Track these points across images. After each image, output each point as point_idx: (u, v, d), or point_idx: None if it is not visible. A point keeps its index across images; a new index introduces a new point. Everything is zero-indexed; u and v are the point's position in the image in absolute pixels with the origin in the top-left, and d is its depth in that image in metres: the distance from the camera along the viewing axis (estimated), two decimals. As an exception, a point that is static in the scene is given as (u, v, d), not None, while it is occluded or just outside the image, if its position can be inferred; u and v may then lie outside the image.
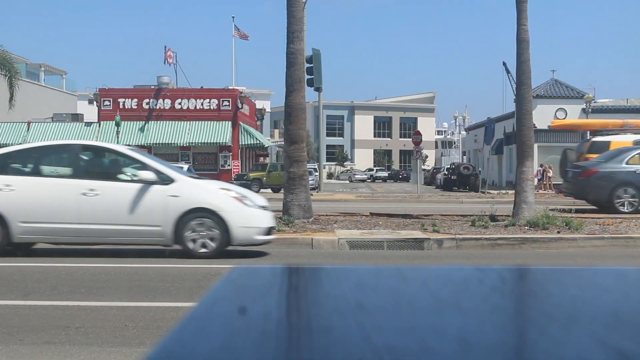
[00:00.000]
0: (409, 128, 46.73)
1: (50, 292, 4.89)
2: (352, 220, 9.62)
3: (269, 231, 6.71)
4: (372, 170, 46.69)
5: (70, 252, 6.79)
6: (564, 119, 30.62)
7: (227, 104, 28.26)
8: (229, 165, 27.75)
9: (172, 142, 27.27)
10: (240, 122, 28.64)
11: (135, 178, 6.40)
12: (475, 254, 7.41)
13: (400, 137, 49.80)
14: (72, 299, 4.50)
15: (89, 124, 28.34)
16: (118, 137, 24.16)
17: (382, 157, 50.94)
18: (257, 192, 13.96)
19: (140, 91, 29.00)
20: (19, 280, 5.53)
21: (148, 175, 6.29)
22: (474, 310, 0.44)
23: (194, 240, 6.28)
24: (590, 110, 30.10)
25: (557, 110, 31.31)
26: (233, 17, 35.90)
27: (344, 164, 48.97)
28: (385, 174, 45.99)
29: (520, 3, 9.15)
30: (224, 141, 27.16)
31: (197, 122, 27.82)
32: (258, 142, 30.49)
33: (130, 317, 3.98)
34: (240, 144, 28.48)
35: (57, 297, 4.66)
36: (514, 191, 9.95)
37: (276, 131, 45.56)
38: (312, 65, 13.19)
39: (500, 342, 0.37)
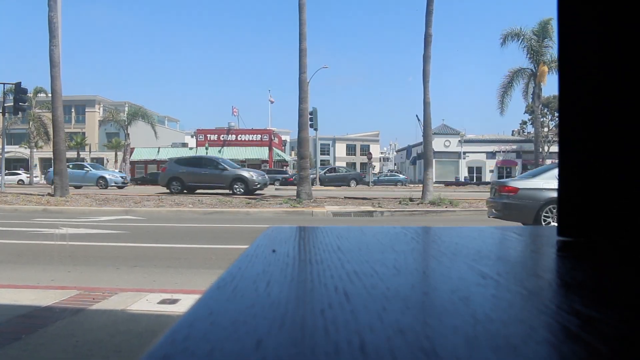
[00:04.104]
0: (365, 150, 75.62)
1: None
2: (334, 201, 15.68)
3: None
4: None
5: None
6: (449, 147, 54.52)
7: (266, 137, 50.79)
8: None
9: (236, 157, 44.64)
10: (273, 147, 50.74)
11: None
12: (401, 219, 12.03)
13: (360, 155, 79.00)
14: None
15: (191, 148, 51.67)
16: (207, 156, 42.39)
17: (350, 166, 79.02)
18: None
19: (219, 130, 51.94)
20: (152, 232, 9.13)
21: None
22: (401, 251, 0.66)
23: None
24: (463, 141, 54.97)
25: (445, 141, 54.31)
26: (269, 90, 64.72)
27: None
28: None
29: (425, 82, 15.05)
30: (264, 158, 49.03)
31: (249, 147, 50.08)
32: (282, 158, 52.54)
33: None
34: (273, 159, 49.85)
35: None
36: (422, 185, 15.90)
37: (293, 152, 69.46)
38: (312, 115, 22.66)
39: (416, 267, 0.57)
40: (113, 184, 26.46)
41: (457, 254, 0.63)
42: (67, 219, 10.84)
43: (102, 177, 26.70)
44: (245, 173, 19.12)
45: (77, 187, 25.35)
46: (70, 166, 26.59)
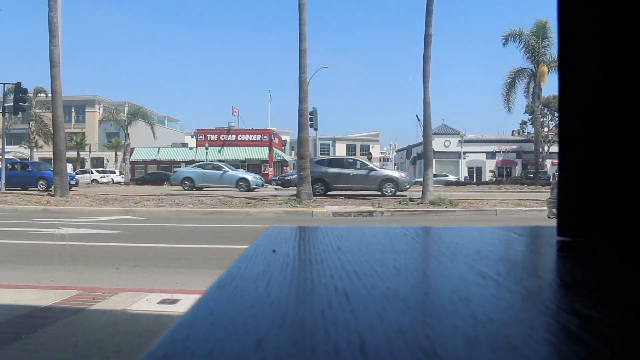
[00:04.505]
0: (365, 150, 76.19)
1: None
2: (334, 201, 15.66)
3: None
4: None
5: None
6: (449, 147, 54.08)
7: (266, 137, 51.04)
8: (266, 171, 47.84)
9: (236, 158, 48.41)
10: (273, 147, 51.20)
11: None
12: (401, 219, 12.03)
13: (360, 155, 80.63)
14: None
15: (191, 148, 52.34)
16: (207, 156, 45.50)
17: None
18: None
19: (219, 130, 52.25)
20: (152, 232, 9.13)
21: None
22: (401, 251, 0.67)
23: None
24: (463, 141, 54.78)
25: (445, 141, 53.87)
26: (269, 90, 66.43)
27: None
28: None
29: (425, 82, 15.07)
30: (264, 158, 49.79)
31: (249, 147, 50.70)
32: (283, 158, 54.12)
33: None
34: (273, 159, 50.58)
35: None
36: (422, 185, 15.89)
37: (293, 152, 70.14)
38: (312, 115, 22.32)
39: (416, 267, 0.58)
40: (255, 187, 24.23)
41: (457, 254, 0.63)
42: (67, 219, 10.84)
43: (244, 179, 24.31)
44: (395, 174, 18.91)
45: (199, 189, 23.68)
46: (207, 167, 25.33)
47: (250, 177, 24.75)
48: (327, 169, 18.42)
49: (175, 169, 28.74)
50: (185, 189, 23.51)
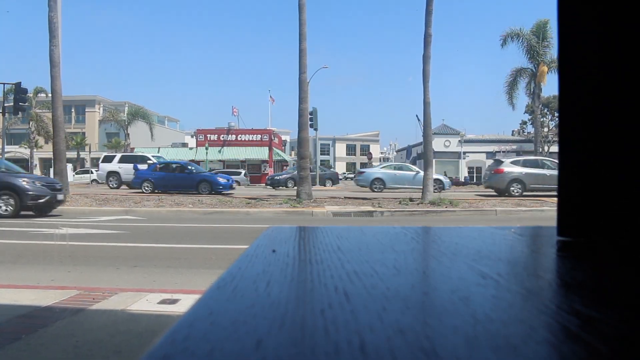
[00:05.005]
0: (365, 150, 76.48)
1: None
2: (334, 201, 15.69)
3: None
4: (345, 173, 69.93)
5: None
6: (449, 147, 54.22)
7: (266, 137, 51.31)
8: (266, 171, 48.26)
9: (236, 158, 49.82)
10: (273, 147, 51.47)
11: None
12: (401, 219, 12.06)
13: (360, 155, 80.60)
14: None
15: (191, 148, 52.44)
16: (207, 156, 46.70)
17: (350, 166, 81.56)
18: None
19: (219, 130, 52.43)
20: (152, 232, 9.23)
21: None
22: (401, 251, 0.67)
23: None
24: (463, 141, 54.89)
25: (444, 141, 54.16)
26: (269, 90, 68.73)
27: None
28: (352, 175, 74.70)
29: (425, 82, 15.09)
30: (264, 158, 50.05)
31: (249, 147, 50.86)
32: (282, 158, 54.19)
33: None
34: (273, 159, 50.88)
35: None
36: (422, 185, 16.12)
37: (293, 152, 71.02)
38: (312, 115, 23.05)
39: (416, 267, 0.59)
40: (447, 188, 23.32)
41: (457, 254, 0.64)
42: (67, 219, 10.83)
43: (438, 180, 22.68)
44: None
45: (371, 191, 22.14)
46: (391, 167, 24.38)
47: (443, 178, 24.18)
48: (522, 170, 18.25)
49: (361, 170, 27.58)
50: (375, 191, 22.18)
